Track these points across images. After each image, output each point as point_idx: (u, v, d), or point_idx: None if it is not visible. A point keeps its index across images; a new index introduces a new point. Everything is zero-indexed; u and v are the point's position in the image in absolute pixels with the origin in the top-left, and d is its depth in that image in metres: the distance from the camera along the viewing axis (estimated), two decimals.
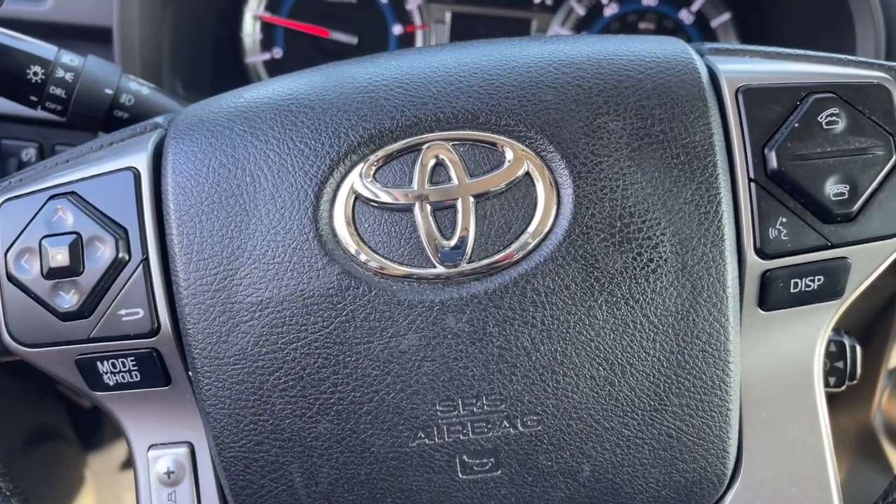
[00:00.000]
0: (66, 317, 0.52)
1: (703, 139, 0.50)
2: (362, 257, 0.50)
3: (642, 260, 0.49)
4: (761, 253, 0.50)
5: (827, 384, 0.61)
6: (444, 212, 0.50)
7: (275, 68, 1.11)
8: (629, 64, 0.52)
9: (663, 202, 0.49)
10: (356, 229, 0.50)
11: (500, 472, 0.51)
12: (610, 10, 1.07)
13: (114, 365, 0.52)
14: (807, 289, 0.51)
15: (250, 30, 1.11)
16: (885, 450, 1.00)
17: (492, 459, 0.51)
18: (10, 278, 0.52)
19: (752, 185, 0.50)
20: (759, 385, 0.52)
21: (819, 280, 0.51)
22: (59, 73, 0.67)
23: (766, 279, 0.51)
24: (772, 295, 0.51)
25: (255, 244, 0.50)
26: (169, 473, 0.54)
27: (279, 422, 0.50)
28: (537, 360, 0.49)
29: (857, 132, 0.50)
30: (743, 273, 0.51)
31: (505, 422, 0.50)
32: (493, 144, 0.50)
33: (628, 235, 0.49)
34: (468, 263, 0.50)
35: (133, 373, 0.52)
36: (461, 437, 0.50)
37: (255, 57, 1.11)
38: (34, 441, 1.16)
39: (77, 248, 0.51)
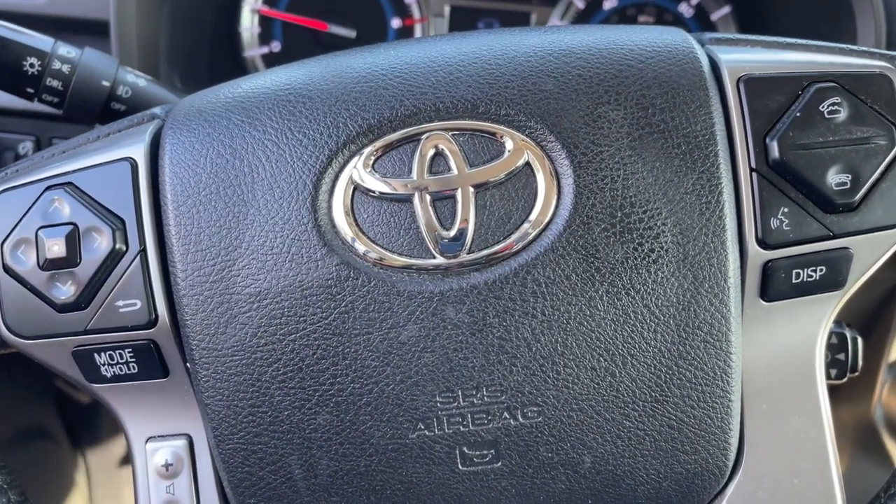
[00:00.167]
0: (63, 308, 0.51)
1: (704, 129, 0.49)
2: (361, 248, 0.49)
3: (643, 250, 0.49)
4: (763, 243, 0.50)
5: (828, 376, 0.61)
6: (443, 202, 0.50)
7: (273, 62, 1.11)
8: (630, 53, 0.51)
9: (664, 192, 0.49)
10: (355, 220, 0.50)
11: (500, 463, 0.50)
12: (609, 4, 1.07)
13: (111, 357, 0.52)
14: (809, 279, 0.51)
15: (248, 23, 1.10)
16: (885, 443, 0.99)
17: (492, 451, 0.50)
18: (7, 269, 0.52)
19: (754, 174, 0.50)
20: (760, 376, 0.52)
21: (821, 270, 0.51)
22: (56, 64, 0.66)
23: (767, 270, 0.50)
24: (773, 285, 0.51)
25: (254, 235, 0.50)
26: (167, 466, 0.53)
27: (278, 413, 0.50)
28: (538, 351, 0.49)
29: (859, 121, 0.50)
30: (744, 263, 0.50)
31: (505, 413, 0.50)
32: (493, 134, 0.50)
33: (629, 226, 0.49)
34: (468, 254, 0.49)
35: (130, 364, 0.52)
36: (461, 429, 0.50)
37: (253, 51, 1.11)
38: (30, 436, 1.16)
39: (74, 239, 0.51)
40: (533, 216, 0.49)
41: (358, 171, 0.50)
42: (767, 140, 0.50)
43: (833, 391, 0.56)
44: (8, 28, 0.66)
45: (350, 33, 1.09)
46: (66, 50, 0.67)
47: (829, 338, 0.61)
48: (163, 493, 0.54)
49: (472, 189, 0.49)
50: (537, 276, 0.49)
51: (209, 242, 0.50)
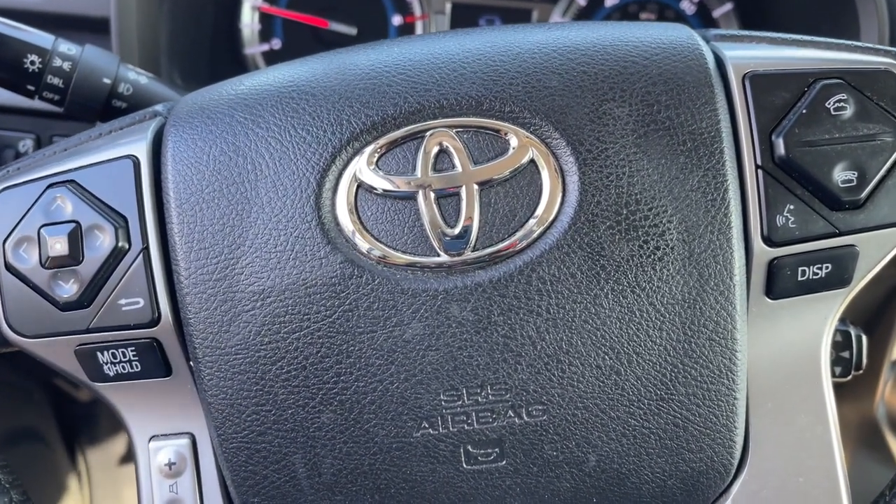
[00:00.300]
0: (66, 306, 0.51)
1: (709, 126, 0.49)
2: (365, 246, 0.49)
3: (649, 248, 0.49)
4: (769, 241, 0.50)
5: (832, 374, 0.61)
6: (447, 199, 0.49)
7: (273, 59, 1.10)
8: (635, 50, 0.51)
9: (670, 189, 0.49)
10: (359, 217, 0.50)
11: (504, 462, 0.50)
12: (611, 1, 1.07)
13: (114, 355, 0.52)
14: (814, 277, 0.51)
15: (249, 20, 1.10)
16: (888, 441, 0.99)
17: (497, 450, 0.50)
18: (9, 268, 0.52)
19: (760, 171, 0.50)
20: (765, 374, 0.52)
21: (827, 268, 0.51)
22: (57, 62, 0.66)
23: (773, 267, 0.50)
24: (779, 283, 0.51)
25: (257, 233, 0.49)
26: (170, 464, 0.53)
27: (282, 412, 0.50)
28: (542, 350, 0.49)
29: (866, 118, 0.50)
30: (750, 261, 0.50)
31: (510, 411, 0.49)
32: (498, 131, 0.50)
33: (634, 223, 0.49)
34: (472, 252, 0.49)
35: (133, 363, 0.52)
36: (466, 427, 0.50)
37: (253, 48, 1.10)
38: (30, 434, 1.15)
39: (76, 237, 0.51)
40: (538, 214, 0.49)
41: (362, 168, 0.50)
42: (773, 137, 0.50)
43: (835, 389, 0.56)
44: (8, 25, 0.65)
45: (351, 30, 1.09)
46: (66, 47, 0.67)
47: (834, 335, 0.61)
48: (166, 492, 0.53)
49: (476, 186, 0.49)
50: (542, 274, 0.49)
51: (212, 240, 0.50)
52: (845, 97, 0.50)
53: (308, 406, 0.50)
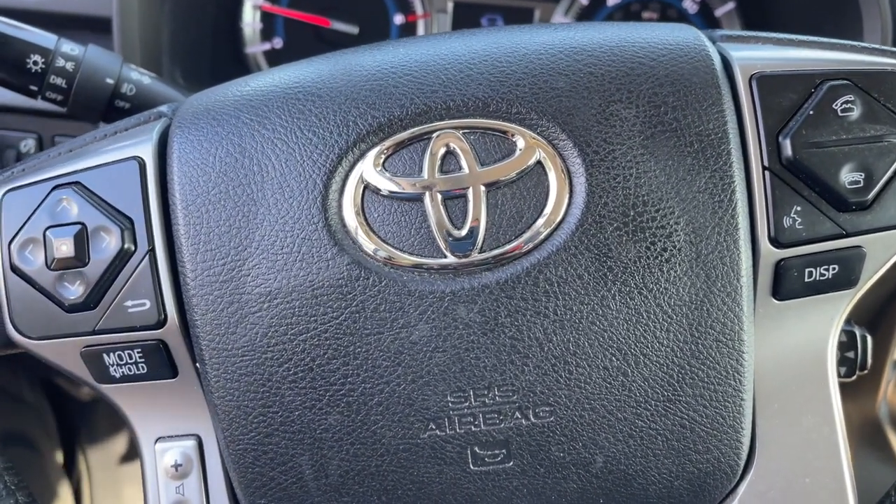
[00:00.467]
0: (72, 308, 0.51)
1: (716, 127, 0.49)
2: (371, 247, 0.49)
3: (656, 249, 0.49)
4: (776, 242, 0.50)
5: (837, 374, 0.61)
6: (454, 201, 0.49)
7: (275, 58, 1.10)
8: (641, 51, 0.51)
9: (677, 191, 0.49)
10: (366, 219, 0.49)
11: (511, 463, 0.50)
12: (613, 0, 1.07)
13: (120, 357, 0.52)
14: (821, 278, 0.51)
15: (250, 19, 1.10)
16: (890, 441, 1.00)
17: (503, 451, 0.50)
18: (15, 269, 0.51)
19: (767, 173, 0.50)
20: (772, 375, 0.52)
21: (833, 269, 0.51)
22: (60, 62, 0.66)
23: (780, 268, 0.50)
24: (786, 284, 0.51)
25: (264, 234, 0.49)
26: (177, 466, 0.53)
27: (288, 413, 0.50)
28: (550, 351, 0.49)
29: (873, 119, 0.50)
30: (757, 262, 0.50)
31: (517, 413, 0.49)
32: (505, 132, 0.50)
33: (642, 224, 0.49)
34: (479, 253, 0.49)
35: (140, 365, 0.52)
36: (473, 429, 0.50)
37: (255, 47, 1.10)
38: (21, 439, 1.15)
39: (82, 239, 0.50)
40: (545, 215, 0.49)
41: (368, 169, 0.49)
42: (780, 138, 0.50)
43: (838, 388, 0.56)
44: (11, 25, 0.65)
45: (353, 30, 1.09)
46: (69, 47, 0.66)
47: (839, 336, 0.61)
48: (172, 494, 0.53)
49: (483, 188, 0.49)
50: (549, 276, 0.49)
51: (219, 242, 0.49)
52: (852, 98, 0.50)
53: (315, 407, 0.50)
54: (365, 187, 0.50)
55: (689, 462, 0.50)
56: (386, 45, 0.55)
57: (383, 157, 0.50)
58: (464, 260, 0.49)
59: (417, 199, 0.49)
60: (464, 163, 0.49)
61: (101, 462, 1.29)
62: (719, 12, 1.07)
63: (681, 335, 0.49)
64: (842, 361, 0.62)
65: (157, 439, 0.54)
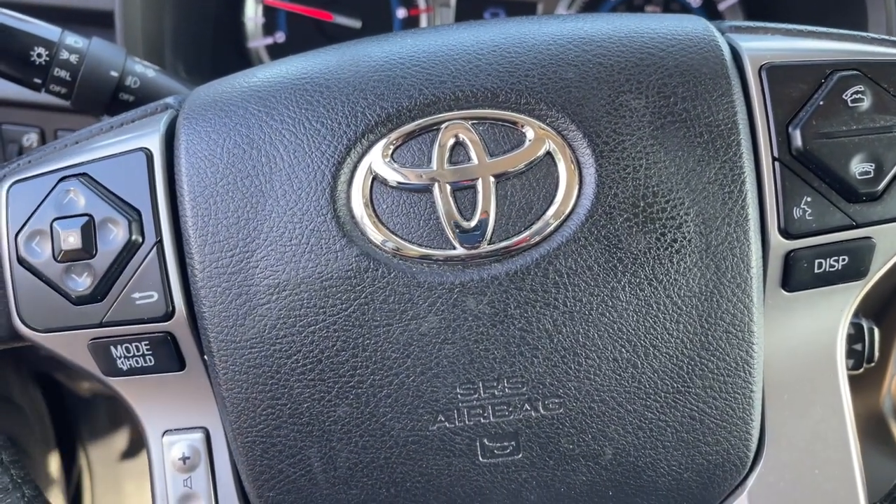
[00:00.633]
0: (79, 300, 0.51)
1: (726, 118, 0.49)
2: (380, 239, 0.49)
3: (666, 240, 0.49)
4: (785, 233, 0.50)
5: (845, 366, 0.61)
6: (463, 192, 0.49)
7: (277, 53, 1.10)
8: (651, 42, 0.51)
9: (687, 182, 0.49)
10: (374, 210, 0.49)
11: (521, 455, 0.50)
12: None
13: (127, 349, 0.51)
14: (831, 269, 0.51)
15: (252, 14, 1.09)
16: (894, 434, 1.00)
17: (513, 443, 0.50)
18: (21, 261, 0.51)
19: (777, 164, 0.50)
20: (781, 367, 0.52)
21: (843, 260, 0.50)
22: (64, 54, 0.65)
23: (789, 260, 0.50)
24: (795, 276, 0.50)
25: (272, 226, 0.49)
26: (184, 459, 0.53)
27: (297, 406, 0.50)
28: (559, 343, 0.49)
29: (883, 110, 0.50)
30: (766, 253, 0.50)
31: (526, 405, 0.49)
32: (514, 123, 0.49)
33: (652, 215, 0.48)
34: (489, 245, 0.49)
35: (147, 357, 0.52)
36: (482, 421, 0.50)
37: (257, 41, 1.10)
38: (21, 438, 1.14)
39: (89, 231, 0.50)
40: (554, 206, 0.49)
41: (377, 161, 0.49)
42: (790, 129, 0.50)
43: None
44: (15, 17, 0.65)
45: (355, 23, 1.08)
46: (73, 40, 0.66)
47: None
48: (180, 487, 0.53)
49: (492, 179, 0.49)
50: (559, 267, 0.48)
51: (227, 234, 0.49)
52: (862, 89, 0.50)
53: (324, 400, 0.49)
54: (373, 178, 0.49)
55: (699, 454, 0.50)
56: (393, 35, 0.55)
57: (392, 148, 0.49)
58: (473, 251, 0.49)
59: (426, 190, 0.49)
60: (473, 154, 0.49)
61: (102, 457, 1.29)
62: (723, 6, 1.06)
63: (690, 326, 0.49)
64: (849, 354, 0.62)
65: (165, 432, 0.54)
